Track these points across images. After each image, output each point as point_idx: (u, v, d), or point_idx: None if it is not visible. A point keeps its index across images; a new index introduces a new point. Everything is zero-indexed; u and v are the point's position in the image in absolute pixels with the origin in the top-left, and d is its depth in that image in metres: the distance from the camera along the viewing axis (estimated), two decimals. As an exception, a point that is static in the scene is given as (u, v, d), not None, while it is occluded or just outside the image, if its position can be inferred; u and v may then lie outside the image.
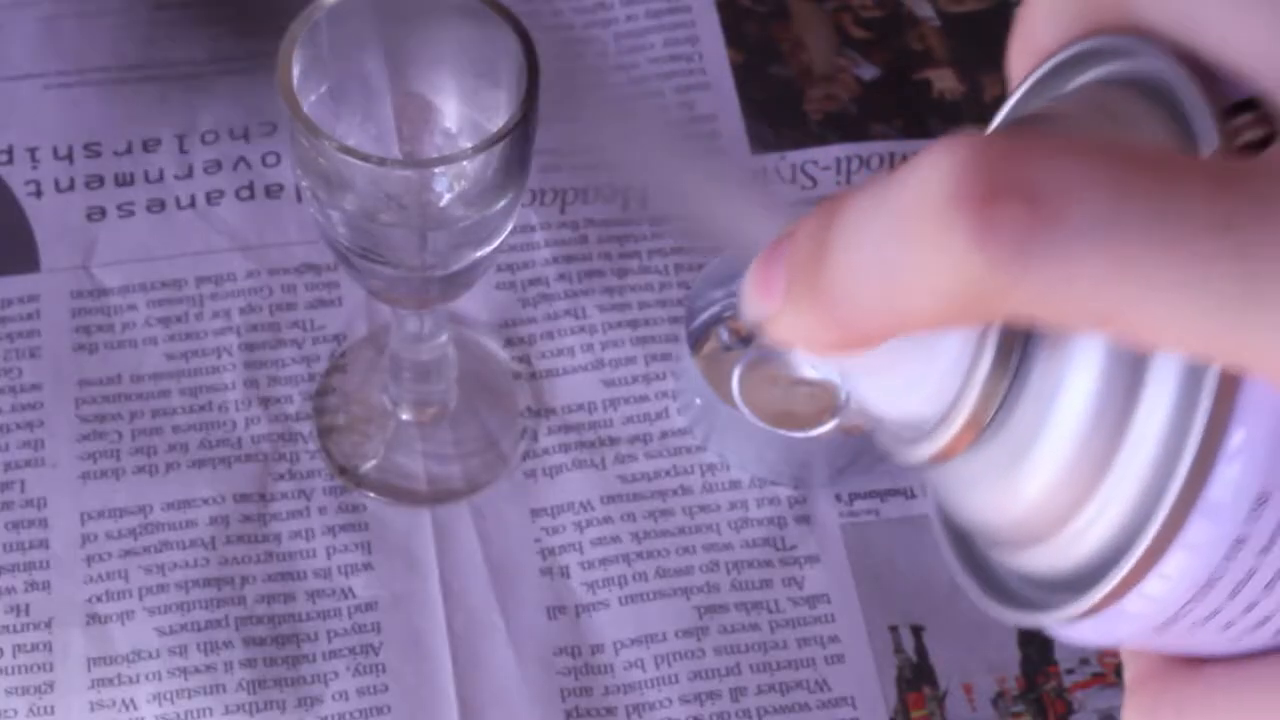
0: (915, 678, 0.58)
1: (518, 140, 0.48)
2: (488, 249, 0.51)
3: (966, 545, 0.27)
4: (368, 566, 0.59)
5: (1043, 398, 0.23)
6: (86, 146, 0.66)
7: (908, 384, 0.25)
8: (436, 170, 0.50)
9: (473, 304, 0.63)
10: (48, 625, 0.57)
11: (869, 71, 0.70)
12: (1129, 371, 0.23)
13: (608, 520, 0.60)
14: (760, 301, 0.24)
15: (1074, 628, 0.24)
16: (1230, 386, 0.21)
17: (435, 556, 0.59)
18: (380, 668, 0.57)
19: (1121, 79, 0.25)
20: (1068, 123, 0.25)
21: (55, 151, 0.66)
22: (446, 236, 0.50)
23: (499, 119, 0.48)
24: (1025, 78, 0.26)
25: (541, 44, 0.46)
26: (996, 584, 0.26)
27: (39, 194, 0.65)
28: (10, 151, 0.66)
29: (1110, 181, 0.21)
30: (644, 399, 0.63)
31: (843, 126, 0.69)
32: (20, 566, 0.58)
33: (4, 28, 0.69)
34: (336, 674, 0.57)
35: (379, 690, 0.57)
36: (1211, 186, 0.21)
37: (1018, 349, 0.23)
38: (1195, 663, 0.25)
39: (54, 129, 0.67)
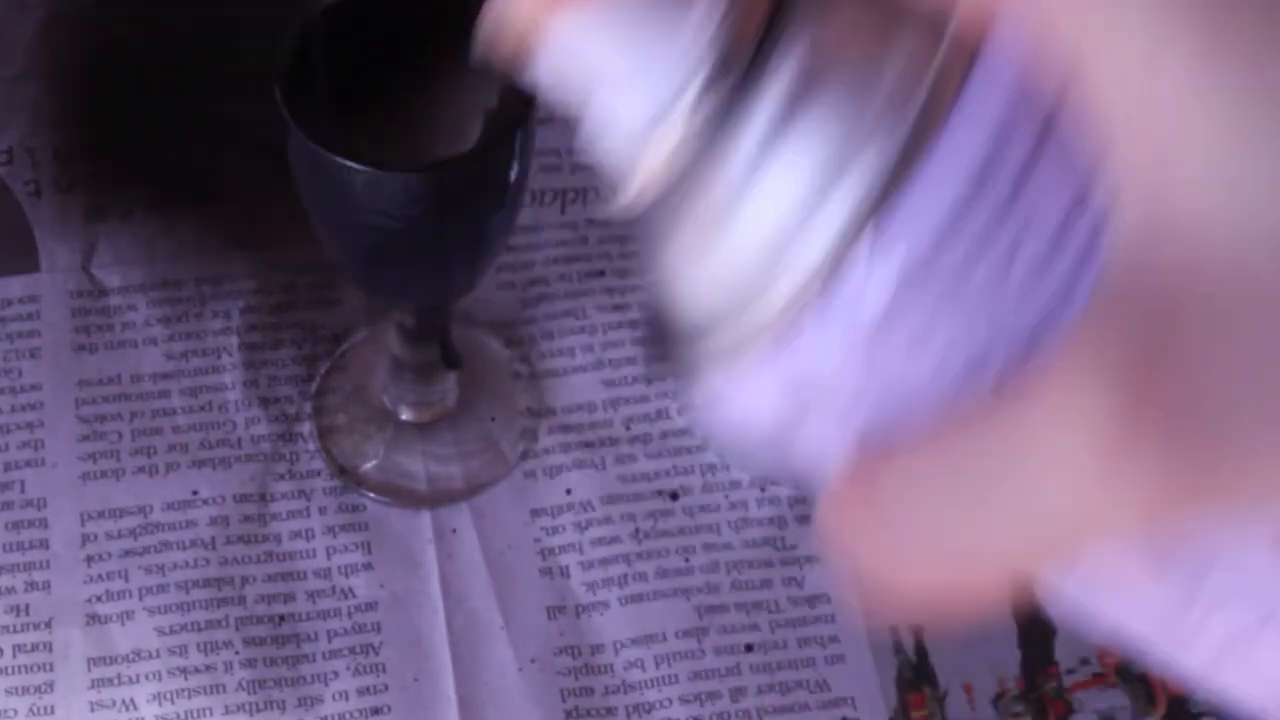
0: (915, 678, 0.58)
1: (518, 141, 0.48)
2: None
3: (675, 347, 0.25)
4: (368, 566, 0.59)
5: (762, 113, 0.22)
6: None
7: (646, 54, 0.23)
8: (436, 173, 0.49)
9: (473, 304, 0.63)
10: (48, 625, 0.57)
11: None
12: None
13: (608, 520, 0.60)
14: None
15: (772, 364, 0.22)
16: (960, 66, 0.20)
17: (435, 556, 0.59)
18: (380, 668, 0.57)
19: None
20: None
21: (55, 151, 0.66)
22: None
23: (498, 120, 0.48)
24: None
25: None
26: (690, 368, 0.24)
27: (39, 194, 0.65)
28: (10, 152, 0.66)
29: None
30: (644, 399, 0.62)
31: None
32: (20, 566, 0.58)
33: (4, 28, 0.69)
34: (336, 674, 0.57)
35: (379, 690, 0.57)
36: None
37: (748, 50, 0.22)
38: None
39: (54, 129, 0.67)
